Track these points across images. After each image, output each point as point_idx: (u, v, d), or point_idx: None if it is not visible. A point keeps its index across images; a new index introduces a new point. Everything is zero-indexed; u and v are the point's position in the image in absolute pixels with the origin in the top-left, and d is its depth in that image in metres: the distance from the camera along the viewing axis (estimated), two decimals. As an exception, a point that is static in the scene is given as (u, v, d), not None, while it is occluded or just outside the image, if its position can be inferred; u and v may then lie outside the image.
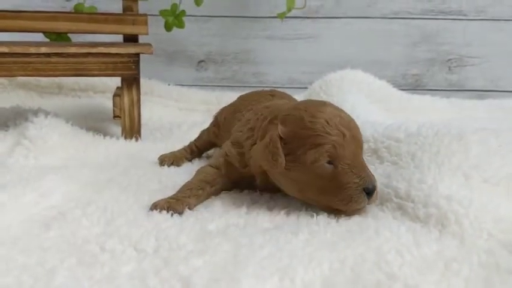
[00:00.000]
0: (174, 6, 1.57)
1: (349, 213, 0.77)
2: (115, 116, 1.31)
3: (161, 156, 1.13)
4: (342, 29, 1.79)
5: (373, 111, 1.51)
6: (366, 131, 1.05)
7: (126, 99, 1.29)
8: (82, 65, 1.22)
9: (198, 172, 0.91)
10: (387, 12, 1.77)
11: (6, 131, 1.23)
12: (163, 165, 1.10)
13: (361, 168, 0.77)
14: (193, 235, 0.69)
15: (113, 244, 0.66)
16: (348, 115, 0.82)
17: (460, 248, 0.65)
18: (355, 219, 0.75)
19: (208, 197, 0.87)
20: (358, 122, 0.85)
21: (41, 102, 1.73)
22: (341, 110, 0.82)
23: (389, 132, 1.02)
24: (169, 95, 1.77)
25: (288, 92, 1.67)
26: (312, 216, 0.76)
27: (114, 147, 1.24)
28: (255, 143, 0.85)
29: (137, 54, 1.26)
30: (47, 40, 1.47)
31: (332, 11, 1.78)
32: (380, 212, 0.77)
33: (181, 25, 1.58)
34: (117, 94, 1.31)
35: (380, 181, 0.84)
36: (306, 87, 1.67)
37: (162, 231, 0.70)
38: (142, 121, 1.49)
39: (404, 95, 1.66)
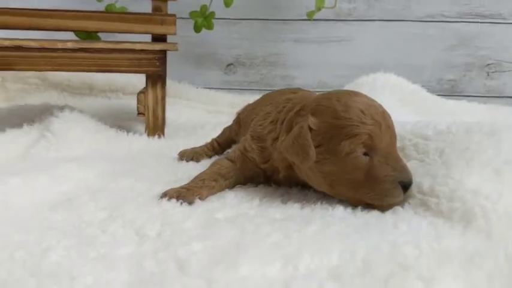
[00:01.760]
0: (204, 7, 1.57)
1: (384, 208, 0.72)
2: (139, 113, 1.30)
3: (181, 151, 1.11)
4: (374, 32, 1.74)
5: (404, 113, 1.45)
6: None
7: (150, 97, 1.28)
8: (107, 60, 1.23)
9: (213, 164, 0.89)
10: (422, 15, 1.71)
11: (31, 125, 1.25)
12: (183, 160, 1.08)
13: (397, 161, 0.73)
14: (199, 222, 0.67)
15: (116, 228, 0.64)
16: (381, 105, 0.78)
17: (486, 243, 0.59)
18: (373, 214, 0.71)
19: (221, 189, 0.84)
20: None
21: (71, 101, 1.76)
22: (373, 100, 0.78)
23: (418, 130, 0.96)
24: (198, 97, 1.77)
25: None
26: (327, 209, 0.72)
27: (136, 143, 1.23)
28: (277, 137, 0.82)
29: (162, 51, 1.25)
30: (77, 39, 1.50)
31: (365, 13, 1.73)
32: (400, 208, 0.72)
33: (210, 26, 1.57)
34: (142, 91, 1.31)
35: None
36: (336, 92, 1.63)
37: (169, 217, 0.68)
38: (169, 122, 1.48)
39: (439, 99, 1.59)
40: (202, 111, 1.73)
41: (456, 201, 0.67)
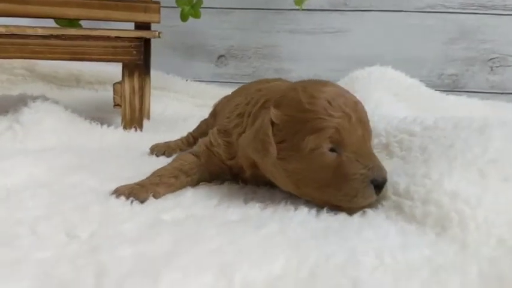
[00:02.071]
0: (191, -5, 1.50)
1: (353, 210, 0.64)
2: (115, 105, 1.24)
3: (153, 145, 1.04)
4: (372, 22, 1.65)
5: (400, 109, 1.37)
6: (378, 125, 0.93)
7: (126, 87, 1.22)
8: (81, 48, 1.16)
9: (176, 159, 0.82)
10: (422, 5, 1.61)
11: (4, 116, 1.19)
12: (153, 154, 1.01)
13: (369, 157, 0.65)
14: (141, 223, 0.59)
15: (46, 227, 0.57)
16: (354, 96, 0.70)
17: (459, 254, 0.51)
18: (339, 217, 0.63)
19: (182, 186, 0.77)
20: (370, 114, 0.73)
21: (58, 94, 1.71)
22: (345, 90, 0.70)
23: (404, 126, 0.89)
24: (186, 90, 1.70)
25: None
26: (289, 211, 0.65)
27: (110, 136, 1.17)
28: (244, 132, 0.75)
29: (139, 39, 1.19)
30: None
31: (361, 3, 1.64)
32: (370, 211, 0.64)
33: (197, 15, 1.50)
34: (119, 82, 1.24)
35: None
36: (331, 86, 1.55)
37: (110, 217, 0.62)
38: (154, 115, 1.42)
39: (438, 94, 1.50)
40: (190, 104, 1.66)
41: (431, 205, 0.60)
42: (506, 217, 0.56)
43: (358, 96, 1.46)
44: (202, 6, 1.55)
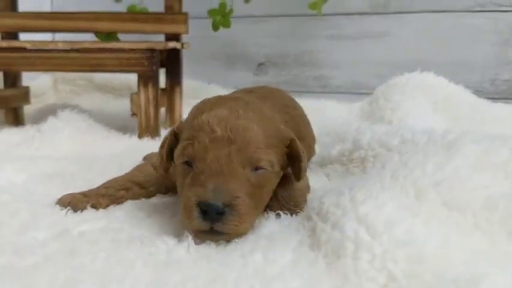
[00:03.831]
0: (223, 5, 1.51)
1: (232, 236, 0.58)
2: (132, 114, 1.28)
3: (147, 154, 1.05)
4: (415, 25, 1.52)
5: (432, 120, 1.25)
6: (362, 137, 0.86)
7: (142, 97, 1.25)
8: (98, 60, 1.22)
9: (134, 168, 0.82)
10: (471, 3, 1.45)
11: (33, 125, 1.29)
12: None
13: (214, 178, 0.58)
14: (48, 235, 0.60)
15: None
16: (243, 120, 0.62)
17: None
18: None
19: (135, 198, 0.77)
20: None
21: (113, 103, 1.81)
22: (236, 111, 0.63)
23: (385, 138, 0.82)
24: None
25: (353, 99, 1.48)
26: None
27: (122, 144, 1.21)
28: None
29: (150, 50, 1.21)
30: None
31: (404, 4, 1.52)
32: (285, 233, 0.59)
33: (227, 24, 1.50)
34: (135, 92, 1.28)
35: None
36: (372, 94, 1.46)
37: (27, 225, 0.63)
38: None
39: (484, 103, 1.34)
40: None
41: (337, 230, 0.53)
42: (412, 251, 0.48)
43: (389, 106, 1.37)
44: (241, 15, 1.56)
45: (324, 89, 1.65)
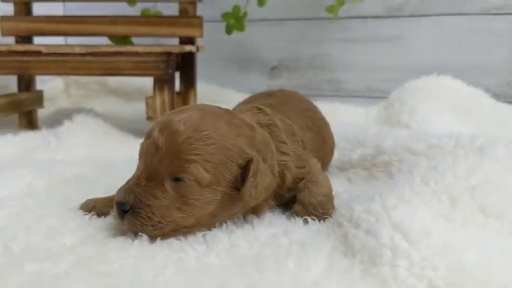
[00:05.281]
0: (236, 8, 1.51)
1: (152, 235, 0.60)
2: (148, 117, 1.27)
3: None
4: (431, 28, 1.51)
5: (451, 124, 1.24)
6: (384, 142, 0.85)
7: (157, 101, 1.24)
8: (114, 64, 1.21)
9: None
10: (488, 6, 1.44)
11: (49, 128, 1.29)
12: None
13: (133, 178, 0.63)
14: (74, 241, 0.60)
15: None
16: (184, 129, 0.61)
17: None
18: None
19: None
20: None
21: (127, 107, 1.81)
22: (183, 121, 0.62)
23: (409, 143, 0.81)
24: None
25: (367, 102, 1.46)
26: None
27: (135, 148, 1.20)
28: None
29: (165, 54, 1.21)
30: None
31: (419, 7, 1.51)
32: (317, 238, 0.58)
33: (241, 28, 1.50)
34: (151, 96, 1.28)
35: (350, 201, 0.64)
36: (387, 97, 1.45)
37: (51, 232, 0.62)
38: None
39: (502, 105, 1.33)
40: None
41: (372, 237, 0.52)
42: (451, 258, 0.46)
43: (405, 110, 1.35)
44: (255, 18, 1.55)
45: (338, 93, 1.63)
